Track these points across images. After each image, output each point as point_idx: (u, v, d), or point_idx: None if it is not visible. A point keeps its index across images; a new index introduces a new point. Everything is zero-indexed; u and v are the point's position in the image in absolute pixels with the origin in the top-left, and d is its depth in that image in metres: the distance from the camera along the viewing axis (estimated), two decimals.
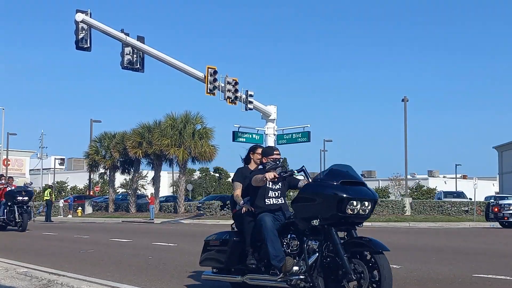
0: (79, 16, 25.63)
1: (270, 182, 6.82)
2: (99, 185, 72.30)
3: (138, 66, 27.90)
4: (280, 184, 7.05)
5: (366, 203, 6.15)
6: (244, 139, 34.07)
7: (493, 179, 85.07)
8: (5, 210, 22.86)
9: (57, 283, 8.08)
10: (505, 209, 26.46)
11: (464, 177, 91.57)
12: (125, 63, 27.49)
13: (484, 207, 31.45)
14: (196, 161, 43.20)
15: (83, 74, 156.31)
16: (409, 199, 37.68)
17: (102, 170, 51.74)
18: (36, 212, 52.14)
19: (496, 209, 26.99)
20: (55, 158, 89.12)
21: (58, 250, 14.35)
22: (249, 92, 31.06)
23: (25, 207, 22.75)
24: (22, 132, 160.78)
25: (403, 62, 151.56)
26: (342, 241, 6.19)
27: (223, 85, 29.69)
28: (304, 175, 6.89)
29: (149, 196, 44.55)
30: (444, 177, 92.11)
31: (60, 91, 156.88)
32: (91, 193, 62.86)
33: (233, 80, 30.18)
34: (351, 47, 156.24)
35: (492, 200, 33.37)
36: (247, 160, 7.51)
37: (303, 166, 6.81)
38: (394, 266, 9.92)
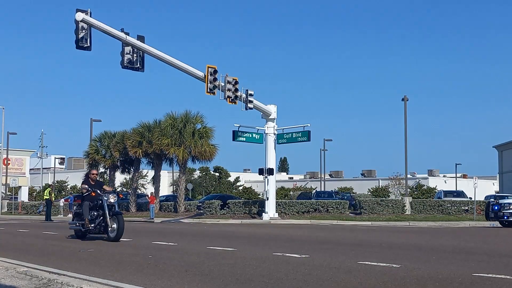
0: (79, 16, 25.63)
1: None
2: None
3: (138, 65, 27.90)
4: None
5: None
6: (244, 139, 34.10)
7: (493, 179, 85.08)
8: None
9: (57, 282, 8.08)
10: (505, 208, 26.45)
11: (464, 176, 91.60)
12: (125, 62, 27.49)
13: (484, 207, 31.44)
14: (196, 161, 43.21)
15: (83, 73, 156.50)
16: (409, 199, 37.67)
17: (102, 170, 51.74)
18: (36, 212, 52.20)
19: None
20: (55, 158, 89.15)
21: (58, 249, 14.35)
22: (249, 92, 31.08)
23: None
24: (22, 132, 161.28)
25: (403, 62, 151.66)
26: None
27: (223, 84, 29.71)
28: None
29: (149, 196, 44.55)
30: (444, 176, 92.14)
31: (60, 90, 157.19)
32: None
33: (233, 79, 30.19)
34: (351, 47, 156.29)
35: (492, 200, 33.37)
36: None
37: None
38: (394, 265, 9.93)
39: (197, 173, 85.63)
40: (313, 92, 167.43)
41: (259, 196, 51.68)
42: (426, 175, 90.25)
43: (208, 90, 29.10)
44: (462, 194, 43.18)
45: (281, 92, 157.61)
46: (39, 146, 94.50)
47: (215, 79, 29.12)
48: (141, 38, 27.93)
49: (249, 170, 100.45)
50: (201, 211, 39.51)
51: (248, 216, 35.20)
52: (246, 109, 31.27)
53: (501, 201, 27.95)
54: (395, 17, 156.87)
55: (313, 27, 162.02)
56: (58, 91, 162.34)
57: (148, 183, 73.94)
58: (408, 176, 47.63)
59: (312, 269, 9.60)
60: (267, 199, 33.69)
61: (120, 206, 47.36)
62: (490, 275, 8.67)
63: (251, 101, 31.19)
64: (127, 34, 27.30)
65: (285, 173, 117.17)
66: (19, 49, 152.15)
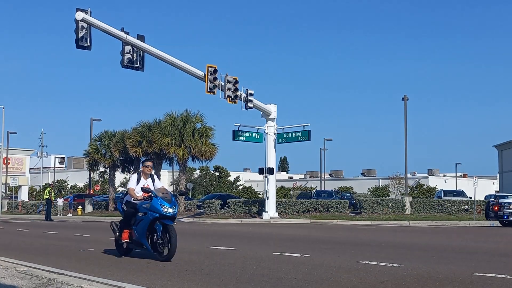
0: (79, 15, 25.64)
1: None
2: (99, 184, 72.34)
3: (138, 64, 27.89)
4: None
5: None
6: (244, 138, 34.08)
7: (493, 178, 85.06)
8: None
9: (57, 282, 8.08)
10: (505, 207, 26.44)
11: (464, 176, 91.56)
12: (125, 61, 27.49)
13: (484, 206, 31.44)
14: (196, 160, 43.19)
15: (83, 72, 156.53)
16: (409, 198, 37.66)
17: (102, 169, 51.76)
18: (36, 211, 52.18)
19: (496, 208, 26.97)
20: (55, 157, 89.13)
21: (58, 249, 14.35)
22: (249, 91, 31.07)
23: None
24: (22, 131, 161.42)
25: (404, 61, 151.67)
26: None
27: (223, 83, 29.70)
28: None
29: None
30: (444, 176, 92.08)
31: (60, 89, 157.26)
32: (91, 192, 62.86)
33: (233, 79, 30.19)
34: (352, 47, 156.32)
35: (492, 199, 33.36)
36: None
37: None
38: (394, 265, 9.92)
39: (197, 173, 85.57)
40: (313, 92, 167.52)
41: (259, 196, 51.72)
42: (426, 175, 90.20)
43: (208, 90, 29.10)
44: (462, 193, 43.16)
45: (281, 92, 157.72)
46: (39, 146, 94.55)
47: (215, 79, 29.11)
48: (141, 38, 27.93)
49: (249, 169, 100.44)
50: (201, 211, 39.51)
51: (248, 216, 35.20)
52: (246, 108, 31.27)
53: (501, 200, 27.95)
54: (395, 17, 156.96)
55: (313, 27, 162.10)
56: (58, 91, 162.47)
57: None
58: (408, 175, 47.62)
59: (312, 268, 9.60)
60: (267, 199, 33.69)
61: None
62: (490, 275, 8.67)
63: (251, 101, 31.18)
64: (127, 33, 27.30)
65: (285, 173, 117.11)
66: (19, 49, 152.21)
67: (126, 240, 11.46)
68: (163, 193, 11.08)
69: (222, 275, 8.93)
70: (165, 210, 10.71)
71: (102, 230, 23.69)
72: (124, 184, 73.65)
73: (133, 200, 11.33)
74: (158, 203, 10.75)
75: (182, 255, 12.00)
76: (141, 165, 12.08)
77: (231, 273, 9.07)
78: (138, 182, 11.50)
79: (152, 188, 11.41)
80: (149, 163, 11.86)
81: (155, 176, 11.84)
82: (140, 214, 11.13)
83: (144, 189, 11.23)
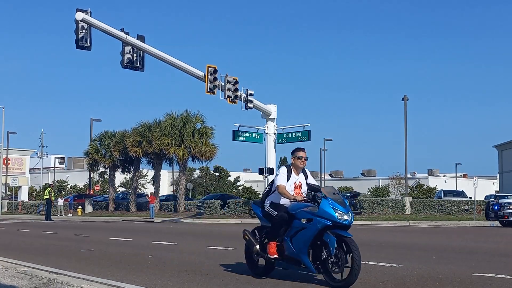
0: (79, 15, 25.63)
1: None
2: (99, 184, 72.33)
3: (138, 65, 27.87)
4: None
5: None
6: (244, 138, 34.05)
7: (493, 178, 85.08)
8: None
9: (57, 282, 8.08)
10: (505, 208, 26.43)
11: (464, 176, 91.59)
12: (125, 62, 27.47)
13: (484, 206, 31.43)
14: (196, 160, 43.22)
15: (83, 72, 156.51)
16: (409, 198, 37.67)
17: (102, 169, 51.78)
18: (36, 212, 52.18)
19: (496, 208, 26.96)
20: (55, 157, 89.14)
21: (58, 249, 14.35)
22: (249, 91, 31.04)
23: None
24: (22, 131, 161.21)
25: (404, 61, 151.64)
26: None
27: (223, 84, 29.68)
28: None
29: (149, 195, 44.55)
30: (444, 176, 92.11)
31: (60, 90, 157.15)
32: (91, 192, 62.86)
33: (233, 79, 30.16)
34: (352, 47, 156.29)
35: (492, 199, 33.35)
36: None
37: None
38: (394, 265, 9.92)
39: (197, 173, 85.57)
40: (313, 92, 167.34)
41: (259, 196, 51.70)
42: (426, 175, 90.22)
43: (208, 90, 29.08)
44: (462, 193, 43.18)
45: (281, 92, 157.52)
46: (39, 146, 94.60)
47: (215, 79, 29.09)
48: (141, 38, 27.91)
49: (249, 169, 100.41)
50: (201, 211, 39.51)
51: (248, 216, 35.17)
52: (246, 108, 31.24)
53: (501, 200, 27.94)
54: (395, 17, 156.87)
55: (313, 27, 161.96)
56: (58, 91, 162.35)
57: (148, 182, 73.95)
58: (408, 175, 47.63)
59: None
60: None
61: (120, 206, 47.51)
62: (490, 275, 8.68)
63: (251, 101, 31.16)
64: (127, 33, 27.28)
65: None
66: (19, 49, 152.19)
67: (275, 256, 8.34)
68: (334, 193, 8.01)
69: (222, 275, 8.93)
70: (340, 216, 7.67)
71: (102, 230, 23.71)
72: (124, 184, 73.73)
73: (290, 201, 8.31)
74: (329, 207, 7.72)
75: (182, 256, 12.01)
76: (291, 156, 8.78)
77: (231, 274, 9.08)
78: (288, 178, 8.54)
79: (304, 186, 8.59)
80: (302, 154, 8.63)
81: (307, 171, 8.83)
82: (303, 220, 7.94)
83: (311, 186, 8.46)
